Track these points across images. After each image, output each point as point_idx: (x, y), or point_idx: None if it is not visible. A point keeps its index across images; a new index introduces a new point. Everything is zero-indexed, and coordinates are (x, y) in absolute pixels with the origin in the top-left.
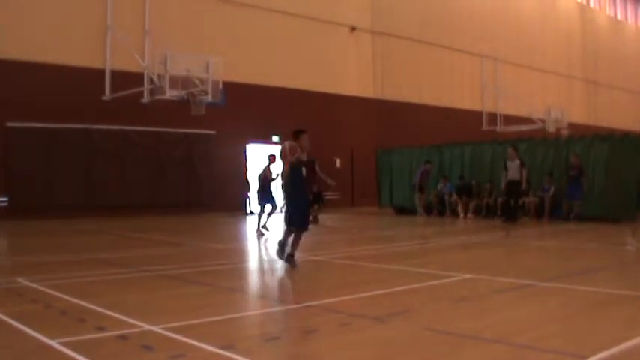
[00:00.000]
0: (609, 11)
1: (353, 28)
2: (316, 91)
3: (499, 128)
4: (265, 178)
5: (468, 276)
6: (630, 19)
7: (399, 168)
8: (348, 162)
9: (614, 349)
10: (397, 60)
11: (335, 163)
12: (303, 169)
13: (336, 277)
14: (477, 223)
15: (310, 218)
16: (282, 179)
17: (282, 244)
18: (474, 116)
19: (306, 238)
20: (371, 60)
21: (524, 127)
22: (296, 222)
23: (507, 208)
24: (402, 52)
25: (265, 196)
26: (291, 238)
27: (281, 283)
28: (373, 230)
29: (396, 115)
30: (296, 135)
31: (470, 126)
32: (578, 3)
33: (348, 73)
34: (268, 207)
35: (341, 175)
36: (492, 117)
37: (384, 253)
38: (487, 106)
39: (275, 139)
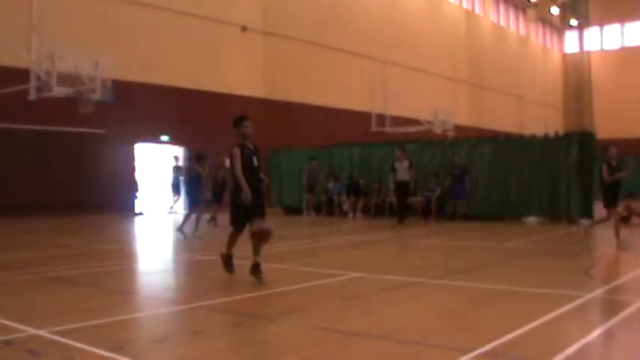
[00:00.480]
0: (493, 18)
1: (244, 28)
2: (206, 90)
3: (388, 129)
4: (194, 177)
5: (357, 275)
6: (512, 27)
7: (288, 169)
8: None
9: (497, 342)
10: (287, 61)
11: (225, 163)
12: (255, 159)
13: (227, 278)
14: (366, 222)
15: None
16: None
17: (227, 258)
18: (364, 117)
19: (197, 238)
20: (261, 60)
21: (412, 129)
22: (241, 222)
23: (398, 208)
24: (293, 52)
25: (194, 195)
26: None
27: (171, 284)
28: None
29: (286, 116)
30: (237, 123)
31: (359, 126)
32: (464, 9)
33: (238, 72)
34: (195, 208)
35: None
36: (381, 118)
37: (275, 253)
38: (376, 107)
39: (164, 138)
